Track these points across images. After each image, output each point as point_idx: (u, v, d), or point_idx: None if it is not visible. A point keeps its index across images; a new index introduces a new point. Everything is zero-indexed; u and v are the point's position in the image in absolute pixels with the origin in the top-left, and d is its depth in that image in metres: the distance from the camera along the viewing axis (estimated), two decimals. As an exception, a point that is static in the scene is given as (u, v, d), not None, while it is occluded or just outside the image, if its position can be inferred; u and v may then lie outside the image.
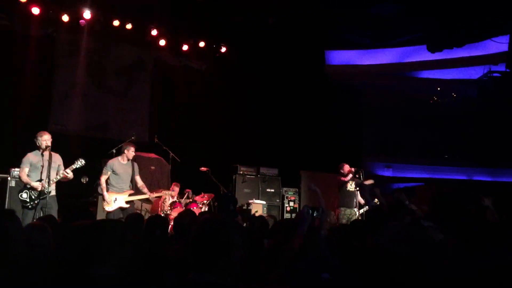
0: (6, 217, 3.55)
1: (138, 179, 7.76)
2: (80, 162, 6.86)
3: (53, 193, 6.68)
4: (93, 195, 9.44)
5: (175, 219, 4.71)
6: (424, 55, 11.46)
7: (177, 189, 9.43)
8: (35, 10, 9.55)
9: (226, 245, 2.16)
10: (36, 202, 6.47)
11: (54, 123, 10.43)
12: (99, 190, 8.99)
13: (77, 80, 10.90)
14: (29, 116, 9.70)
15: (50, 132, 6.86)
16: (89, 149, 9.92)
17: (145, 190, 7.73)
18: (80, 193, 9.35)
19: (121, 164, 7.62)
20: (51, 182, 6.55)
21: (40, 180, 6.50)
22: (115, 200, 7.43)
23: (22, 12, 9.56)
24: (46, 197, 6.47)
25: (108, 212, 7.38)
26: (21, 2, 9.31)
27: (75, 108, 10.81)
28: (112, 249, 2.28)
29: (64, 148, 7.50)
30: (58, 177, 6.66)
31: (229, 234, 2.20)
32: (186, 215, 4.54)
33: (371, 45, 12.31)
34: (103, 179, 7.58)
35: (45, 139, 6.59)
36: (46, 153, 6.57)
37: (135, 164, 7.84)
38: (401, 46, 12.14)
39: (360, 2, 10.29)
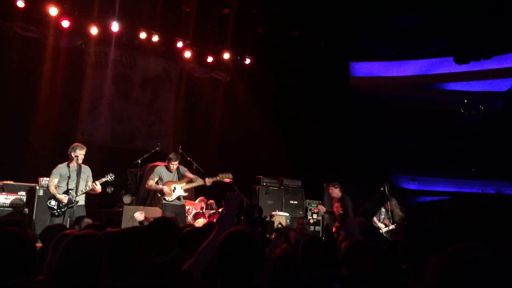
0: (22, 226, 3.61)
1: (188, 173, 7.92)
2: (110, 177, 7.01)
3: (81, 202, 6.88)
4: (118, 205, 9.55)
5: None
6: (450, 67, 11.32)
7: (203, 204, 9.42)
8: (65, 23, 9.79)
9: (259, 261, 2.12)
10: (63, 210, 6.71)
11: (82, 134, 10.60)
12: (125, 200, 9.13)
13: (104, 92, 11.10)
14: (58, 127, 9.91)
15: (78, 143, 7.05)
16: (115, 159, 10.09)
17: (200, 180, 7.85)
18: (105, 203, 9.47)
19: (169, 173, 7.77)
20: (79, 192, 6.71)
21: (68, 191, 6.66)
22: (174, 189, 7.57)
23: (53, 25, 9.81)
24: (73, 206, 6.65)
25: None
26: (52, 16, 9.56)
27: (102, 119, 11.00)
28: (134, 261, 2.19)
29: (91, 158, 7.62)
30: (87, 188, 6.83)
31: (261, 249, 2.15)
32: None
33: (396, 56, 12.22)
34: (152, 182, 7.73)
35: (80, 153, 6.83)
36: (76, 164, 6.81)
37: (180, 166, 7.96)
38: (426, 58, 12.01)
39: (385, 14, 10.24)
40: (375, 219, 8.71)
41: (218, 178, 8.15)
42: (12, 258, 2.39)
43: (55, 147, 8.46)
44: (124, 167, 9.95)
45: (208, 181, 7.92)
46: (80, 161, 6.83)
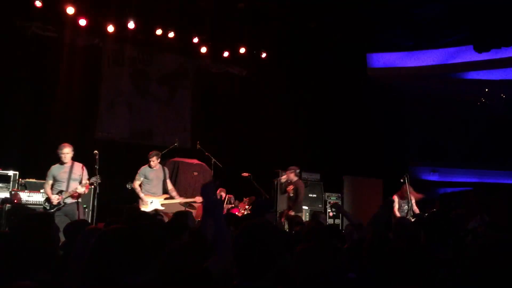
0: (49, 221, 3.63)
1: (168, 182, 8.13)
2: (96, 179, 7.00)
3: (69, 200, 6.89)
4: (137, 200, 9.63)
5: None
6: (470, 55, 11.12)
7: (224, 195, 9.45)
8: (82, 22, 9.87)
9: (275, 255, 2.10)
10: (52, 211, 6.73)
11: (100, 131, 10.72)
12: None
13: (122, 89, 11.19)
14: (77, 125, 10.01)
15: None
16: (133, 155, 10.15)
17: (174, 193, 8.06)
18: (125, 199, 9.55)
19: (152, 170, 8.01)
20: (66, 194, 6.83)
21: (61, 191, 6.84)
22: (151, 202, 7.72)
23: (70, 24, 9.91)
24: (60, 207, 6.79)
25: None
26: (69, 15, 9.64)
27: (120, 116, 11.09)
28: (151, 255, 2.16)
29: (110, 155, 7.70)
30: (80, 189, 6.86)
31: (278, 244, 2.13)
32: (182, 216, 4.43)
33: (415, 46, 12.03)
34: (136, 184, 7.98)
35: (65, 152, 6.88)
36: (68, 165, 6.91)
37: (166, 169, 8.26)
38: (446, 47, 11.80)
39: (403, 4, 10.07)
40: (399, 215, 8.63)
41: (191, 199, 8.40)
42: (33, 253, 2.40)
43: (74, 145, 8.53)
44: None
45: (182, 200, 8.13)
46: (66, 160, 6.86)
